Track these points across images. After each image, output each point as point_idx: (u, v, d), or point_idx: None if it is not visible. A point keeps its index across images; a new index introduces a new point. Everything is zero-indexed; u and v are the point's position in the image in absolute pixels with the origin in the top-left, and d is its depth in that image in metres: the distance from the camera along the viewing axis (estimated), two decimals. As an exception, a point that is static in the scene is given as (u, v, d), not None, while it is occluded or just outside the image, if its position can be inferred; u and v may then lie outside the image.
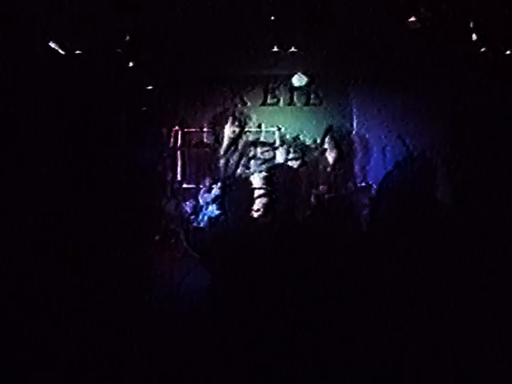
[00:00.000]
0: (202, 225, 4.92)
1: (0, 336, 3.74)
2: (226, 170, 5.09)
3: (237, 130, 5.13)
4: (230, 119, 5.14)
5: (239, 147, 5.13)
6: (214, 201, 4.97)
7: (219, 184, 5.02)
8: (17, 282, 3.89)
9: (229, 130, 5.12)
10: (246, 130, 5.16)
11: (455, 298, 4.07)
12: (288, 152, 5.12)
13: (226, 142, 5.12)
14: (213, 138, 5.13)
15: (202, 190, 5.03)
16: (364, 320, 4.08)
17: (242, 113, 5.17)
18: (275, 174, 5.02)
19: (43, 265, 4.05)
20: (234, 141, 5.12)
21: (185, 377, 3.88)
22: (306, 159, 5.09)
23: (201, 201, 4.99)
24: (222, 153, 5.12)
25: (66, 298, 4.08)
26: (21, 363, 3.73)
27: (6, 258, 3.87)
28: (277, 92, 5.21)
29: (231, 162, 5.10)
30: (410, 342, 3.98)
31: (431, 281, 4.14)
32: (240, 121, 5.15)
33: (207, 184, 5.04)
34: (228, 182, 5.03)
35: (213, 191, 5.00)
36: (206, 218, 4.93)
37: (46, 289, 4.01)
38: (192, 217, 4.95)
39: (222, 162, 5.12)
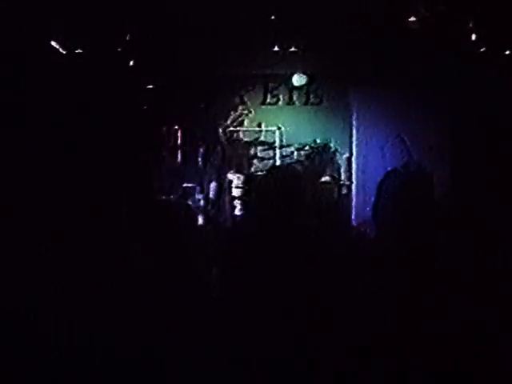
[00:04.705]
0: (203, 223, 4.94)
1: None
2: (225, 168, 5.10)
3: (237, 129, 5.15)
4: (231, 118, 5.15)
5: (240, 146, 5.15)
6: (214, 199, 4.98)
7: (219, 183, 5.04)
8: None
9: (229, 130, 5.13)
10: (245, 129, 5.18)
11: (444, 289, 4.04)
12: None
13: (225, 141, 5.13)
14: (213, 136, 5.14)
15: (201, 189, 5.05)
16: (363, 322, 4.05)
17: (242, 112, 5.18)
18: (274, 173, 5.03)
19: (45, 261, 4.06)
20: (234, 139, 5.14)
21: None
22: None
23: (201, 198, 5.00)
24: (221, 151, 5.13)
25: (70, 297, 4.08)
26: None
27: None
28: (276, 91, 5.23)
29: (231, 160, 5.12)
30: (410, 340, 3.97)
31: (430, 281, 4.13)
32: (240, 120, 5.17)
33: (207, 183, 5.06)
34: (228, 180, 5.05)
35: (213, 190, 5.01)
36: (207, 216, 4.95)
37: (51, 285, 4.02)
38: (193, 215, 4.96)
39: (221, 160, 5.12)
